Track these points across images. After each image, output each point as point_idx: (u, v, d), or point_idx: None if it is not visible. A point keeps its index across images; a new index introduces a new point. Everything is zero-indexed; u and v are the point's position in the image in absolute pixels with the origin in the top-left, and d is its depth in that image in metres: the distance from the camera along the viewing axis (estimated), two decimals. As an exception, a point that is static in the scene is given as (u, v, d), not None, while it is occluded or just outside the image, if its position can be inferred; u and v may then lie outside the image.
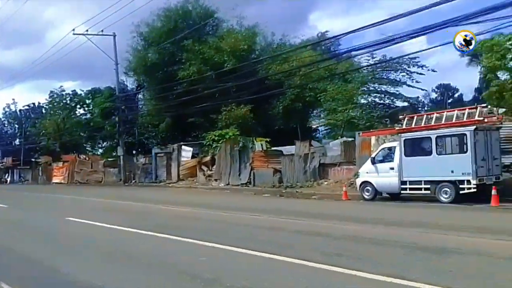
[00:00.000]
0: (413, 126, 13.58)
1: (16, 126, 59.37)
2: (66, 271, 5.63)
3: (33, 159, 46.99)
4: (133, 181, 30.99)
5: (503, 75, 20.50)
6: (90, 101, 44.72)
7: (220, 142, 24.92)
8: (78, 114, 45.77)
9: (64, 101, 46.05)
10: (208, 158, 25.56)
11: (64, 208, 15.87)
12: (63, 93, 46.31)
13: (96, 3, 64.31)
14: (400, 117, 14.69)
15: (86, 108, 45.95)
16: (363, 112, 23.68)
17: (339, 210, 12.70)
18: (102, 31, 30.55)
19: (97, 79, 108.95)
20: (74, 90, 46.75)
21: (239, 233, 8.41)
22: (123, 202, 16.76)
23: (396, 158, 13.80)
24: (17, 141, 58.51)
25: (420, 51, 22.77)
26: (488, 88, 20.40)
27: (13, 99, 69.79)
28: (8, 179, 49.70)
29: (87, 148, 45.47)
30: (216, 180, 24.22)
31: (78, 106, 46.64)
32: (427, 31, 16.18)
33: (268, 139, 24.69)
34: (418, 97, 32.15)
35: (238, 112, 27.36)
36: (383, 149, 14.79)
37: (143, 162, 30.96)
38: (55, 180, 40.04)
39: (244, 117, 27.46)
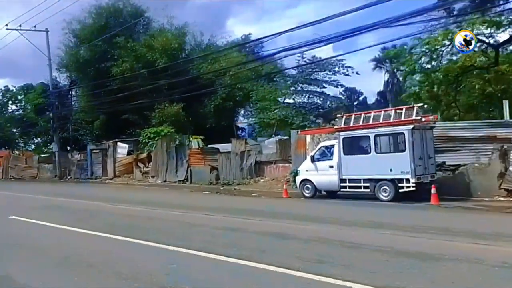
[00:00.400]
0: (351, 124, 13.76)
1: None
2: (22, 281, 5.44)
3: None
4: (69, 177, 31.60)
5: (417, 77, 23.76)
6: (22, 97, 44.14)
7: (155, 139, 26.17)
8: (10, 110, 44.81)
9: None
10: (144, 155, 26.83)
11: (4, 205, 15.65)
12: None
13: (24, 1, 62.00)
14: (338, 115, 14.87)
15: (18, 104, 45.20)
16: (296, 112, 25.55)
17: (286, 208, 12.99)
18: (34, 26, 30.51)
19: (25, 76, 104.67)
20: (6, 86, 45.56)
21: (201, 235, 8.22)
22: (65, 199, 16.59)
23: (335, 157, 14.00)
24: None
25: (333, 57, 25.17)
26: (400, 91, 23.35)
27: None
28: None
29: (19, 143, 44.69)
30: (153, 176, 25.61)
31: (10, 102, 45.49)
32: (356, 33, 17.07)
33: (202, 137, 26.48)
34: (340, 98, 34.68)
35: (171, 110, 28.76)
36: (322, 147, 14.87)
37: (78, 158, 31.58)
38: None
39: (177, 115, 28.92)
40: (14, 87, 44.73)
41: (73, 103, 35.07)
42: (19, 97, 43.25)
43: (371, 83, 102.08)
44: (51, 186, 26.14)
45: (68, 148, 33.60)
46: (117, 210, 12.92)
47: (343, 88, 46.27)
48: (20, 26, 30.49)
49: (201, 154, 23.73)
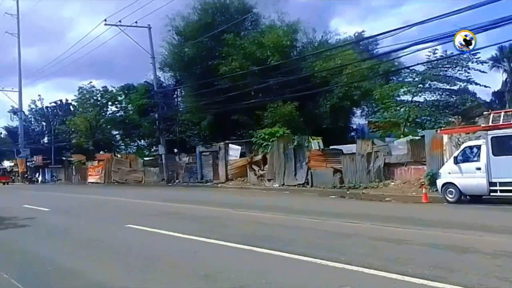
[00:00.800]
0: (501, 122, 12.84)
1: (44, 123, 59.35)
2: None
3: (64, 158, 46.97)
4: (177, 181, 30.74)
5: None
6: (122, 98, 44.44)
7: (270, 140, 24.51)
8: (110, 112, 45.66)
9: (94, 98, 45.76)
10: (259, 157, 25.16)
11: (116, 212, 14.39)
12: (93, 89, 45.97)
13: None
14: (485, 113, 14.09)
15: (119, 106, 45.71)
16: (429, 110, 22.98)
17: (436, 215, 11.57)
18: (136, 22, 29.92)
19: (122, 76, 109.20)
20: (105, 87, 46.30)
21: (359, 247, 6.88)
22: (183, 205, 15.20)
23: (483, 158, 13.05)
24: (45, 139, 58.62)
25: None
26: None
27: (39, 95, 69.36)
28: (39, 179, 49.74)
29: (120, 146, 45.40)
30: (269, 180, 23.85)
31: (110, 103, 46.25)
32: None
33: (321, 138, 24.40)
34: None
35: (284, 110, 26.97)
36: (465, 148, 13.98)
37: (187, 161, 30.66)
38: (90, 179, 39.98)
39: (291, 115, 27.09)
40: (114, 87, 45.32)
41: (178, 103, 34.21)
42: (119, 98, 43.60)
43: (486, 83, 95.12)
44: (161, 191, 25.11)
45: (175, 150, 32.77)
46: (243, 217, 11.65)
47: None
48: (120, 21, 29.85)
49: (322, 156, 22.08)
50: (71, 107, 60.16)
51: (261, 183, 24.34)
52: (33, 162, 50.77)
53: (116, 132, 41.44)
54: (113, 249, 7.64)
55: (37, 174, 50.83)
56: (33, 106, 58.36)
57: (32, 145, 53.23)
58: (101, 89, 46.37)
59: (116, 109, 46.66)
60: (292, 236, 8.14)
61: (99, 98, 46.35)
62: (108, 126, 41.67)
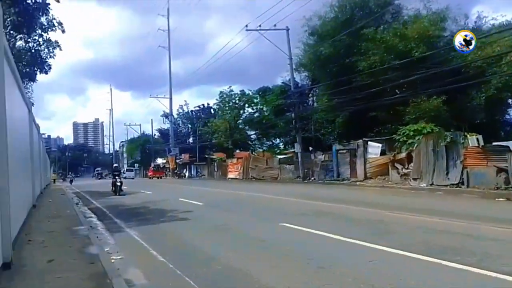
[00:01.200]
0: None
1: (189, 125, 65.61)
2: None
3: (207, 156, 51.14)
4: (312, 178, 30.77)
5: None
6: (258, 99, 47.00)
7: (416, 138, 22.86)
8: (247, 113, 48.26)
9: (233, 101, 48.79)
10: (403, 154, 23.60)
11: (266, 209, 13.96)
12: (232, 93, 49.08)
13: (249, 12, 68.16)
14: None
15: (255, 107, 48.28)
16: None
17: None
18: (274, 25, 30.84)
19: (257, 81, 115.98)
20: (243, 90, 49.36)
21: None
22: (333, 204, 13.97)
23: None
24: (190, 139, 64.71)
25: None
26: None
27: (185, 101, 77.78)
28: (187, 174, 55.07)
29: (256, 145, 47.64)
30: (414, 179, 22.15)
31: (246, 105, 49.00)
32: None
33: (479, 134, 21.91)
34: None
35: (429, 105, 24.99)
36: None
37: (322, 159, 30.48)
38: (230, 175, 42.55)
39: (437, 110, 24.94)
40: (250, 91, 47.99)
41: (313, 102, 34.36)
42: (255, 100, 45.97)
43: None
44: (300, 188, 25.19)
45: (310, 148, 32.93)
46: (406, 221, 9.92)
47: None
48: (259, 26, 31.01)
49: (482, 154, 19.38)
50: (211, 110, 65.52)
51: (405, 182, 22.76)
52: (181, 159, 56.40)
53: (253, 132, 43.39)
54: (276, 249, 7.25)
55: (185, 170, 56.37)
56: (180, 110, 65.16)
57: (180, 145, 59.14)
58: (239, 92, 49.39)
59: (252, 111, 49.37)
60: (484, 249, 6.63)
61: (237, 101, 49.36)
62: (246, 127, 43.85)
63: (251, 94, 48.58)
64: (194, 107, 65.74)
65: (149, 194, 22.85)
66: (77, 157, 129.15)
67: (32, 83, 27.65)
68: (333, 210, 12.80)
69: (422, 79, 24.99)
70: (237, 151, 48.30)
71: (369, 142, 26.34)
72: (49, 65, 24.69)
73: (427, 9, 28.25)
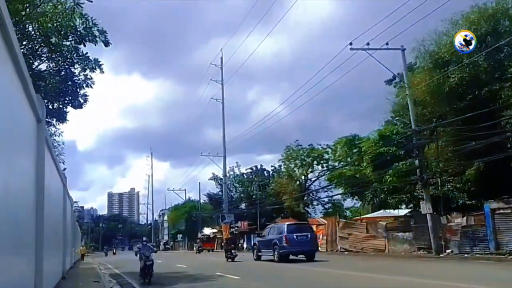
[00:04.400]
0: None
1: (240, 189, 58.10)
2: None
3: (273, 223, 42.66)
4: (448, 251, 21.92)
5: None
6: (328, 155, 40.31)
7: None
8: (319, 171, 40.81)
9: (301, 157, 41.55)
10: None
11: None
12: (300, 147, 41.95)
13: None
14: None
15: (325, 165, 41.30)
16: None
17: None
18: (387, 44, 23.77)
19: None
20: (311, 144, 42.20)
21: None
22: None
23: None
24: (243, 206, 56.90)
25: None
26: None
27: (237, 162, 69.99)
28: (245, 246, 46.27)
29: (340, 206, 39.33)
30: None
31: (316, 162, 41.68)
32: None
33: None
34: None
35: None
36: None
37: (463, 223, 21.81)
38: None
39: None
40: (319, 145, 41.34)
41: (437, 147, 25.93)
42: (326, 156, 39.26)
43: None
44: (459, 269, 16.11)
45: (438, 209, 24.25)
46: None
47: None
48: (368, 44, 23.88)
49: None
50: (265, 172, 58.27)
51: None
52: (237, 227, 47.99)
53: (340, 192, 34.65)
54: None
55: (242, 240, 47.62)
56: (231, 173, 57.89)
57: (235, 210, 51.29)
58: (307, 147, 42.23)
59: (322, 169, 41.95)
60: None
61: (305, 158, 42.09)
62: (333, 183, 34.73)
63: (320, 148, 41.48)
64: (246, 169, 58.59)
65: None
66: (112, 228, 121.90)
67: (61, 124, 21.14)
68: None
69: None
70: (312, 216, 40.60)
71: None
72: (85, 95, 18.24)
73: None
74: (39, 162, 6.35)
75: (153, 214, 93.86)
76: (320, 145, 42.17)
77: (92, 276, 16.38)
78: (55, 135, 26.45)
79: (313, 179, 42.77)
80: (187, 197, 72.77)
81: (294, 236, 21.89)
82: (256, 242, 26.43)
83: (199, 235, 56.59)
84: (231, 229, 49.28)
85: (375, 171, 28.67)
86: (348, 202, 39.35)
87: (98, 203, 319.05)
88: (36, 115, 6.49)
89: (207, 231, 59.93)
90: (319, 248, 31.95)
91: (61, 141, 31.62)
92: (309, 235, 22.76)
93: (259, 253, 24.71)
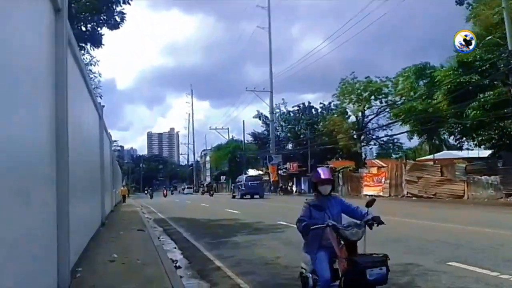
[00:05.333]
0: None
1: (286, 129, 54.58)
2: None
3: (326, 165, 39.27)
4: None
5: None
6: (388, 89, 35.67)
7: None
8: (378, 105, 36.56)
9: (357, 90, 37.16)
10: None
11: None
12: (357, 80, 37.40)
13: None
14: None
15: (383, 100, 36.88)
16: None
17: None
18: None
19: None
20: (368, 77, 37.44)
21: None
22: None
23: None
24: (289, 146, 53.74)
25: None
26: None
27: (283, 99, 65.09)
28: (294, 189, 43.67)
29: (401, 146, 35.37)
30: None
31: (373, 97, 37.17)
32: None
33: None
34: None
35: None
36: None
37: None
38: (366, 191, 30.75)
39: None
40: (382, 77, 36.99)
41: None
42: (386, 89, 34.94)
43: None
44: None
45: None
46: None
47: None
48: None
49: None
50: (312, 110, 54.32)
51: None
52: (285, 170, 45.25)
53: (405, 130, 30.15)
54: None
55: (290, 183, 45.02)
56: (277, 110, 54.14)
57: (282, 151, 48.30)
58: (364, 80, 37.52)
59: (379, 104, 37.49)
60: None
61: (361, 92, 37.57)
62: (399, 119, 29.92)
63: (378, 81, 36.63)
64: (293, 107, 54.50)
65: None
66: (152, 169, 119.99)
67: (95, 49, 18.35)
68: None
69: None
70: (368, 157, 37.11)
71: None
72: (122, 13, 15.12)
73: None
74: (59, 74, 4.73)
75: (194, 154, 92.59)
76: (379, 77, 37.34)
77: (134, 222, 14.40)
78: (91, 64, 23.80)
79: (370, 117, 38.39)
80: (230, 137, 70.31)
81: (249, 183, 37.62)
82: (232, 187, 44.35)
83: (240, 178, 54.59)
84: (279, 171, 46.70)
85: (453, 104, 24.20)
86: (415, 141, 34.97)
87: (138, 144, 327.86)
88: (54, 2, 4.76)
89: (252, 172, 57.81)
90: (381, 193, 28.91)
91: (98, 72, 29.26)
92: (258, 183, 38.38)
93: (234, 194, 40.23)
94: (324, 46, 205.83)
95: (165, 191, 57.11)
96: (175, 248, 9.57)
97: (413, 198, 25.73)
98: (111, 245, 8.88)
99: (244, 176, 40.55)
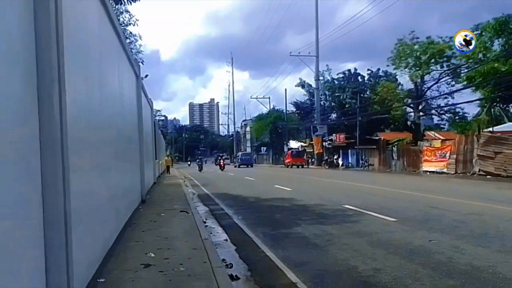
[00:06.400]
0: None
1: (330, 98, 50.70)
2: None
3: (376, 137, 35.50)
4: None
5: None
6: (452, 51, 31.20)
7: None
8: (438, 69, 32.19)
9: (416, 53, 32.80)
10: None
11: None
12: (416, 40, 33.01)
13: None
14: None
15: (445, 64, 32.41)
16: None
17: None
18: None
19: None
20: (429, 37, 32.93)
21: None
22: None
23: None
24: (333, 116, 49.96)
25: None
26: None
27: (327, 65, 60.52)
28: (340, 162, 40.17)
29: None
30: None
31: (433, 61, 32.78)
32: None
33: None
34: None
35: None
36: None
37: None
38: (426, 167, 27.02)
39: None
40: (441, 37, 32.31)
41: None
42: (450, 51, 30.31)
43: None
44: None
45: None
46: None
47: None
48: None
49: None
50: (359, 78, 50.10)
51: None
52: (331, 141, 41.69)
53: (478, 98, 25.72)
54: None
55: (335, 155, 41.52)
56: (321, 78, 50.08)
57: (327, 122, 44.67)
58: (425, 40, 33.01)
59: (442, 69, 33.08)
60: None
61: (421, 56, 33.17)
62: (475, 84, 25.40)
63: (441, 42, 32.02)
64: (337, 74, 50.38)
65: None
66: (194, 139, 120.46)
67: (133, 3, 16.00)
68: None
69: None
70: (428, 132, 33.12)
71: None
72: None
73: None
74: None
75: (234, 124, 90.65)
76: (441, 37, 32.64)
77: (177, 198, 12.48)
78: (130, 24, 21.34)
79: (429, 83, 33.95)
80: (271, 107, 67.03)
81: (243, 157, 55.36)
82: (234, 160, 64.64)
83: (286, 149, 51.58)
84: (324, 143, 43.30)
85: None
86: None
87: (180, 114, 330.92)
88: None
89: (294, 144, 54.67)
90: (445, 170, 25.22)
91: (138, 34, 26.75)
92: (249, 157, 56.91)
93: (235, 165, 55.88)
94: (367, 10, 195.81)
95: (222, 161, 40.77)
96: (226, 240, 7.17)
97: (488, 176, 21.85)
98: (148, 234, 6.82)
99: (240, 153, 62.10)
